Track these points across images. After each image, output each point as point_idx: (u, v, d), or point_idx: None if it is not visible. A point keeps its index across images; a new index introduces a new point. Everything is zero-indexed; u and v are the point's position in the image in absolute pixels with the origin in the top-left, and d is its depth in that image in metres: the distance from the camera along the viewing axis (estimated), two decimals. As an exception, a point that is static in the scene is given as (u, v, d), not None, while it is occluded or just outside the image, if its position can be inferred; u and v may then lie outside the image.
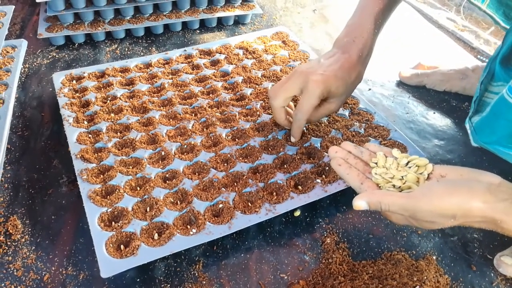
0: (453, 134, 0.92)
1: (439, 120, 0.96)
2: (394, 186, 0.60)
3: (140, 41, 1.19)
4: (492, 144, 0.63)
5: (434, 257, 0.68)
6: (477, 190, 0.53)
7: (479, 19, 1.41)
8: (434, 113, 0.98)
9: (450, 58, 1.16)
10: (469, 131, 0.68)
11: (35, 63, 1.09)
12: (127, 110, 0.87)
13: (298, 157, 0.78)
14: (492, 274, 0.66)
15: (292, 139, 0.81)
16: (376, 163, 0.63)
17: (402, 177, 0.60)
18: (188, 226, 0.66)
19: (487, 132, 0.63)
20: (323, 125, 0.85)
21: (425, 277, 0.63)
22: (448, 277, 0.65)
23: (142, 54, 1.13)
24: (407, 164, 0.62)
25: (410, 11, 1.39)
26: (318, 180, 0.73)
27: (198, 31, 1.25)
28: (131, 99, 0.91)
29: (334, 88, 0.75)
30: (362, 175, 0.63)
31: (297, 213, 0.73)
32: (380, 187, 0.61)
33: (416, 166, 0.61)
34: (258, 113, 0.88)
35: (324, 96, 0.76)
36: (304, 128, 0.84)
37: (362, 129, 0.85)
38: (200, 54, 1.06)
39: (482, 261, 0.68)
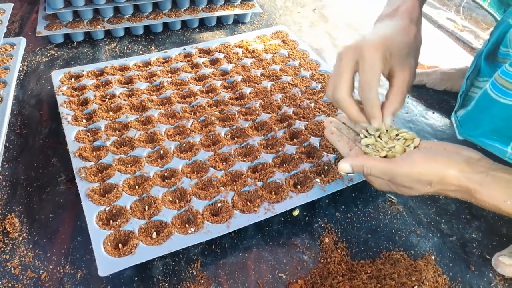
0: (452, 134, 0.92)
1: (438, 120, 0.96)
2: (380, 155, 0.63)
3: (139, 39, 1.19)
4: (476, 137, 0.64)
5: (433, 257, 0.68)
6: (455, 160, 0.55)
7: (479, 19, 1.41)
8: (433, 113, 0.98)
9: (449, 58, 1.16)
10: (454, 125, 0.69)
11: (33, 61, 1.08)
12: (126, 108, 0.87)
13: (297, 156, 0.78)
14: (491, 274, 0.66)
15: (374, 123, 0.64)
16: (366, 136, 0.66)
17: (390, 148, 0.63)
18: (187, 225, 0.66)
19: (472, 126, 0.65)
20: (322, 124, 0.85)
21: (424, 277, 0.63)
22: (446, 277, 0.65)
23: (141, 52, 1.13)
24: (396, 136, 0.64)
25: (410, 11, 1.39)
26: (317, 180, 0.73)
27: (197, 30, 1.25)
28: (130, 98, 0.90)
29: (395, 48, 0.62)
30: (352, 143, 0.67)
31: (296, 213, 0.73)
32: (367, 154, 0.64)
33: (404, 139, 0.64)
34: (257, 112, 0.87)
35: (388, 62, 0.62)
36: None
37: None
38: (200, 53, 1.06)
39: (480, 261, 0.68)
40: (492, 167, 0.55)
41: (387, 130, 0.66)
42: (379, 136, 0.65)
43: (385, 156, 0.62)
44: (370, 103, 0.62)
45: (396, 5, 0.70)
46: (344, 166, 0.61)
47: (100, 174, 0.73)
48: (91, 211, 0.67)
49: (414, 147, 0.62)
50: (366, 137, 0.67)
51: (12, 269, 0.64)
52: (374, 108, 0.62)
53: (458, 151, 0.58)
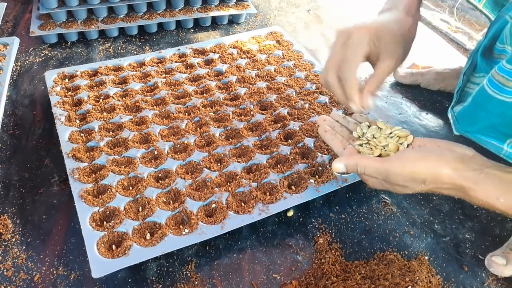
0: (445, 135, 0.93)
1: (432, 121, 0.97)
2: (373, 154, 0.63)
3: (133, 39, 1.18)
4: (473, 133, 0.64)
5: (426, 258, 0.68)
6: (449, 158, 0.55)
7: (472, 21, 1.42)
8: (427, 113, 0.99)
9: (443, 59, 1.17)
10: (451, 120, 0.70)
11: (27, 61, 1.08)
12: (119, 109, 0.87)
13: (292, 157, 0.78)
14: (484, 274, 0.67)
15: (353, 106, 0.65)
16: (359, 135, 0.67)
17: (384, 147, 0.63)
18: (181, 226, 0.66)
19: (468, 122, 0.65)
20: (316, 125, 0.85)
21: (417, 277, 0.63)
22: (440, 277, 0.65)
23: (135, 52, 1.12)
24: (389, 134, 0.65)
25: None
26: (312, 180, 0.73)
27: (192, 30, 1.25)
28: (124, 98, 0.90)
29: (385, 36, 0.64)
30: (346, 142, 0.67)
31: (290, 213, 0.73)
32: (361, 153, 0.64)
33: (397, 136, 0.64)
34: (252, 112, 0.87)
35: (375, 47, 0.64)
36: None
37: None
38: (194, 53, 1.06)
39: (473, 262, 0.68)
40: (486, 164, 0.55)
41: (380, 128, 0.66)
42: (373, 135, 0.65)
43: (379, 155, 0.63)
44: (348, 84, 0.64)
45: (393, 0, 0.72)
46: (338, 166, 0.61)
47: (93, 175, 0.73)
48: (85, 212, 0.66)
49: (408, 145, 0.63)
50: (359, 136, 0.67)
51: (5, 270, 0.63)
52: (352, 89, 0.64)
53: (452, 148, 0.58)
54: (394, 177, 0.58)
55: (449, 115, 0.71)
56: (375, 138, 0.65)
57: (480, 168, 0.54)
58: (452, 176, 0.54)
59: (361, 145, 0.65)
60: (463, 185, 0.54)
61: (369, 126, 0.68)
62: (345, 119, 0.72)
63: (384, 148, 0.63)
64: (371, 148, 0.64)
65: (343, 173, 0.69)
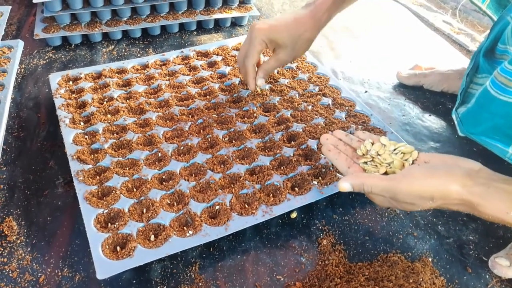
0: (448, 137, 0.93)
1: (435, 123, 0.97)
2: (379, 171, 0.63)
3: (137, 42, 1.19)
4: (477, 135, 0.64)
5: (430, 259, 0.68)
6: (456, 174, 0.55)
7: (475, 22, 1.42)
8: (430, 115, 0.99)
9: (446, 60, 1.17)
10: (455, 122, 0.70)
11: (31, 64, 1.08)
12: (123, 111, 0.87)
13: (295, 158, 0.78)
14: (487, 276, 0.67)
15: (251, 86, 0.88)
16: (363, 152, 0.67)
17: (389, 164, 0.63)
18: (185, 228, 0.66)
19: (472, 123, 0.65)
20: (319, 127, 0.85)
21: (421, 279, 0.63)
22: (443, 279, 0.65)
23: (139, 55, 1.13)
24: (394, 150, 0.65)
25: (406, 14, 1.40)
26: (315, 182, 0.74)
27: (195, 33, 1.25)
28: (127, 100, 0.91)
29: (279, 36, 0.82)
30: (350, 160, 0.67)
31: (294, 215, 0.73)
32: (366, 171, 0.64)
33: (402, 153, 0.64)
34: (255, 114, 0.88)
35: (272, 42, 0.83)
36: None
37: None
38: (197, 56, 1.06)
39: (477, 263, 0.68)
40: (493, 178, 0.55)
41: (384, 144, 0.66)
42: (377, 152, 0.65)
43: (385, 172, 0.62)
44: (247, 71, 0.85)
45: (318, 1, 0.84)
46: (344, 186, 0.61)
47: (98, 177, 0.73)
48: (89, 214, 0.67)
49: (413, 161, 0.62)
50: (363, 154, 0.67)
51: (10, 272, 0.64)
52: (249, 75, 0.86)
53: (457, 163, 0.58)
54: (401, 196, 0.57)
55: (454, 117, 0.71)
56: (380, 155, 0.65)
57: (488, 182, 0.54)
58: (460, 193, 0.54)
59: (365, 163, 0.65)
60: (472, 201, 0.53)
61: (372, 143, 0.68)
62: (347, 137, 0.72)
63: (389, 165, 0.63)
64: (376, 166, 0.64)
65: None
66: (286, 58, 0.86)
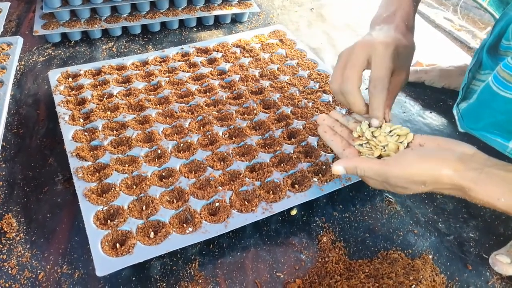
0: (449, 134, 0.92)
1: (436, 119, 0.96)
2: (373, 154, 0.63)
3: (136, 38, 1.18)
4: (478, 130, 0.64)
5: (430, 256, 0.68)
6: (449, 158, 0.55)
7: (476, 19, 1.42)
8: (430, 112, 0.98)
9: (447, 57, 1.17)
10: (456, 117, 0.70)
11: (30, 61, 1.08)
12: (123, 108, 0.87)
13: (295, 155, 0.78)
14: (488, 273, 0.66)
15: (374, 122, 0.66)
16: (359, 134, 0.66)
17: (384, 147, 0.63)
18: (184, 225, 0.66)
19: (473, 119, 0.65)
20: (316, 124, 0.85)
21: (421, 276, 0.63)
22: (444, 276, 0.65)
23: (138, 52, 1.13)
24: (389, 132, 0.64)
25: (407, 11, 1.39)
26: (315, 179, 0.73)
27: (195, 29, 1.25)
28: (127, 97, 0.90)
29: (401, 50, 0.65)
30: (346, 142, 0.67)
31: (294, 212, 0.73)
32: (361, 153, 0.64)
33: (397, 135, 0.63)
34: (255, 111, 0.87)
35: (396, 61, 0.65)
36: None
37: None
38: (197, 52, 1.06)
39: (478, 260, 0.68)
40: (486, 163, 0.54)
41: (380, 127, 0.66)
42: (372, 133, 0.65)
43: (379, 155, 0.62)
44: (377, 100, 0.64)
45: (392, 10, 0.72)
46: (337, 169, 0.61)
47: (97, 174, 0.73)
48: (89, 211, 0.66)
49: (408, 143, 0.62)
50: (359, 135, 0.67)
51: (9, 269, 0.64)
52: (381, 105, 0.64)
53: (451, 147, 0.57)
54: (393, 180, 0.57)
55: (454, 112, 0.71)
56: (375, 137, 0.65)
57: (481, 167, 0.53)
58: (452, 177, 0.53)
59: (361, 145, 0.65)
60: (463, 185, 0.53)
61: (369, 125, 0.68)
62: (345, 117, 0.71)
63: (384, 148, 0.63)
64: (371, 148, 0.64)
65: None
66: (407, 75, 0.70)
